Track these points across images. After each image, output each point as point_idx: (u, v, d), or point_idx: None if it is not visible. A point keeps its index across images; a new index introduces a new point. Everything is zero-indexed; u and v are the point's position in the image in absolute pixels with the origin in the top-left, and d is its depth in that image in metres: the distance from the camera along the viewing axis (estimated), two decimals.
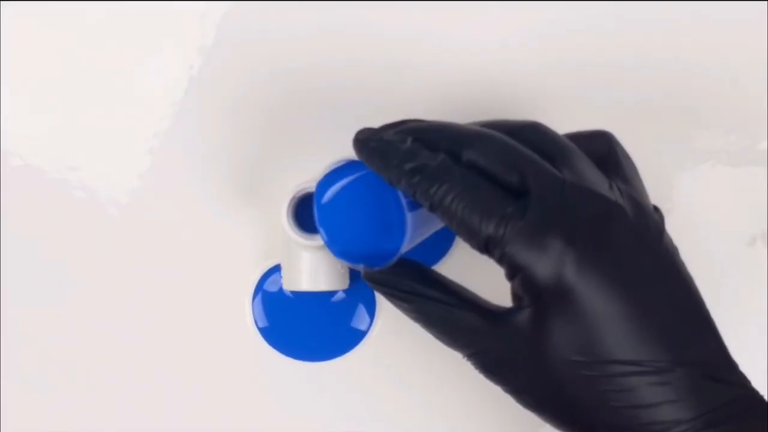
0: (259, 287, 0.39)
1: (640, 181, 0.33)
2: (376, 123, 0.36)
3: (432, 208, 0.30)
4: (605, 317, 0.28)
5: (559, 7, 0.39)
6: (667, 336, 0.29)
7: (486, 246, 0.29)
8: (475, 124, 0.32)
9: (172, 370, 0.39)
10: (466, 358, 0.31)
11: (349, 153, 0.31)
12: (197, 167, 0.39)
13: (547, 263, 0.28)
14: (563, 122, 0.39)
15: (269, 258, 0.39)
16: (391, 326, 0.39)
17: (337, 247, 0.32)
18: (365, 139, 0.31)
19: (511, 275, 0.29)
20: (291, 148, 0.39)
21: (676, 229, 0.39)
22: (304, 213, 0.37)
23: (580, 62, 0.39)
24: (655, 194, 0.39)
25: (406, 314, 0.32)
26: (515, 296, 0.30)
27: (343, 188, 0.32)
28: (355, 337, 0.39)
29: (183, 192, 0.39)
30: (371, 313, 0.39)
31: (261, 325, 0.39)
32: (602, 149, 0.33)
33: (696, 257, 0.39)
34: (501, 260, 0.29)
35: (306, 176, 0.36)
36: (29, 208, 0.39)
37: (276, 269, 0.39)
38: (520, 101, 0.39)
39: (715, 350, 0.30)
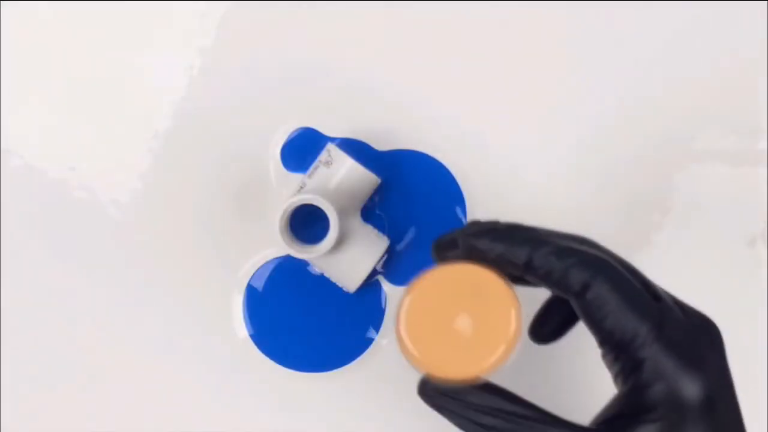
0: (252, 288, 0.39)
1: None
2: (378, 123, 0.36)
3: (575, 295, 0.28)
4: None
5: (557, 7, 0.39)
6: None
7: (625, 347, 0.27)
8: (512, 226, 0.30)
9: (170, 370, 0.39)
10: None
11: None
12: (197, 167, 0.39)
13: (695, 376, 0.27)
14: (563, 121, 0.39)
15: (270, 257, 0.39)
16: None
17: None
18: (489, 229, 0.29)
19: (643, 385, 0.27)
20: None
21: (676, 229, 0.39)
22: (299, 223, 0.37)
23: (579, 62, 0.39)
24: (655, 194, 0.39)
25: None
26: (633, 410, 0.28)
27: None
28: (361, 345, 0.39)
29: (183, 192, 0.39)
30: (379, 320, 0.39)
31: (252, 331, 0.39)
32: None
33: (696, 257, 0.39)
34: (636, 366, 0.27)
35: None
36: (29, 208, 0.39)
37: (270, 268, 0.39)
38: (520, 95, 0.39)
39: None
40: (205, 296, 0.39)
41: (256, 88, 0.39)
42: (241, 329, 0.39)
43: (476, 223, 0.30)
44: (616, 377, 0.29)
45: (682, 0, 0.39)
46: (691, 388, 0.27)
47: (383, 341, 0.39)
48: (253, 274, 0.39)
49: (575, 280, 0.27)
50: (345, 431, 0.39)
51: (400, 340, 0.28)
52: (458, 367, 0.28)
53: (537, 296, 0.33)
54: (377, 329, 0.38)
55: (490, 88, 0.39)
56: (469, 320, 0.28)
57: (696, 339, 0.28)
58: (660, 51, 0.39)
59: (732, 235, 0.39)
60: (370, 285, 0.38)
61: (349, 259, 0.36)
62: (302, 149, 0.38)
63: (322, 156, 0.36)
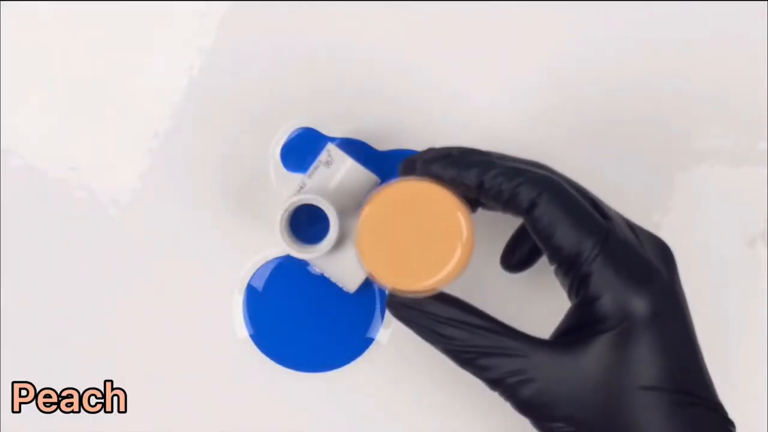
0: (252, 288, 0.39)
1: None
2: (378, 123, 0.36)
3: (525, 213, 0.29)
4: (681, 348, 0.29)
5: (557, 7, 0.39)
6: (706, 373, 0.30)
7: (572, 261, 0.29)
8: (477, 152, 0.32)
9: (170, 370, 0.39)
10: (501, 391, 0.30)
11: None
12: (197, 167, 0.39)
13: (642, 288, 0.29)
14: (563, 124, 0.39)
15: (270, 257, 0.39)
16: (401, 334, 0.39)
17: None
18: (444, 155, 0.30)
19: (592, 297, 0.29)
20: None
21: (676, 229, 0.39)
22: (299, 223, 0.37)
23: (579, 62, 0.39)
24: (655, 194, 0.39)
25: (438, 345, 0.31)
26: (584, 323, 0.29)
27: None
28: (361, 345, 0.39)
29: (183, 192, 0.39)
30: (381, 318, 0.39)
31: (252, 331, 0.39)
32: None
33: (696, 257, 0.39)
34: (584, 280, 0.29)
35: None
36: (29, 208, 0.39)
37: (270, 268, 0.39)
38: (522, 96, 0.39)
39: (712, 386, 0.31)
40: (205, 296, 0.39)
41: (255, 87, 0.39)
42: (241, 329, 0.39)
43: (432, 149, 0.31)
44: (569, 292, 0.30)
45: (682, 0, 0.39)
46: (637, 301, 0.28)
47: (383, 341, 0.39)
48: (253, 274, 0.39)
49: (523, 198, 0.29)
50: (345, 431, 0.39)
51: (360, 255, 0.30)
52: (414, 279, 0.30)
53: (507, 229, 0.33)
54: (377, 329, 0.38)
55: (492, 88, 0.39)
56: (422, 234, 0.30)
57: (643, 256, 0.29)
58: (659, 50, 0.39)
59: (732, 235, 0.39)
60: (371, 285, 0.38)
61: (349, 259, 0.36)
62: (302, 149, 0.38)
63: (322, 156, 0.36)
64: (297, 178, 0.38)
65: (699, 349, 0.30)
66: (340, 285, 0.37)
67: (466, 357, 0.30)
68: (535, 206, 0.29)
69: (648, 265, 0.29)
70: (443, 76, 0.39)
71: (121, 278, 0.39)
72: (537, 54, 0.39)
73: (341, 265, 0.37)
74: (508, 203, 0.29)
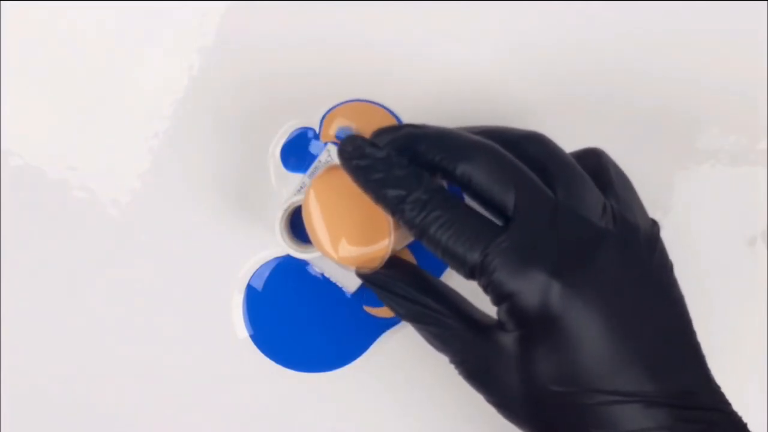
0: (252, 288, 0.39)
1: (635, 197, 0.33)
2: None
3: (418, 236, 0.30)
4: (590, 349, 0.28)
5: (557, 9, 0.39)
6: (651, 366, 0.29)
7: (472, 274, 0.29)
8: (475, 129, 0.32)
9: (170, 370, 0.39)
10: (452, 364, 0.31)
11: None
12: (198, 167, 0.39)
13: (533, 294, 0.28)
14: (563, 125, 0.39)
15: (270, 257, 0.39)
16: (402, 334, 0.39)
17: None
18: (350, 155, 0.30)
19: (496, 302, 0.30)
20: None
21: (676, 229, 0.39)
22: (299, 223, 0.37)
23: (579, 65, 0.39)
24: (655, 194, 0.39)
25: (397, 315, 0.32)
26: (500, 321, 0.30)
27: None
28: (361, 345, 0.39)
29: (183, 192, 0.39)
30: (379, 320, 0.39)
31: (252, 331, 0.39)
32: (594, 167, 0.32)
33: (696, 257, 0.39)
34: (486, 288, 0.29)
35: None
36: (29, 208, 0.39)
37: (270, 268, 0.39)
38: (517, 107, 0.39)
39: (697, 376, 0.30)
40: (205, 296, 0.39)
41: (255, 88, 0.39)
42: (241, 329, 0.39)
43: (350, 141, 0.31)
44: None
45: (681, 0, 0.39)
46: (532, 303, 0.29)
47: (384, 341, 0.39)
48: (253, 274, 0.39)
49: (411, 224, 0.30)
50: (345, 431, 0.39)
51: (310, 235, 0.33)
52: (352, 255, 0.33)
53: None
54: (377, 329, 0.38)
55: (493, 87, 0.39)
56: (357, 214, 0.33)
57: (538, 260, 0.29)
58: (659, 50, 0.39)
59: (732, 235, 0.39)
60: None
61: None
62: (302, 149, 0.38)
63: (322, 156, 0.36)
64: (297, 178, 0.38)
65: (628, 343, 0.29)
66: (340, 285, 0.37)
67: (420, 327, 0.32)
68: (421, 235, 0.29)
69: (546, 266, 0.28)
70: (448, 77, 0.39)
71: (121, 278, 0.39)
72: (537, 60, 0.39)
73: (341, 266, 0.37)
74: (400, 222, 0.30)
